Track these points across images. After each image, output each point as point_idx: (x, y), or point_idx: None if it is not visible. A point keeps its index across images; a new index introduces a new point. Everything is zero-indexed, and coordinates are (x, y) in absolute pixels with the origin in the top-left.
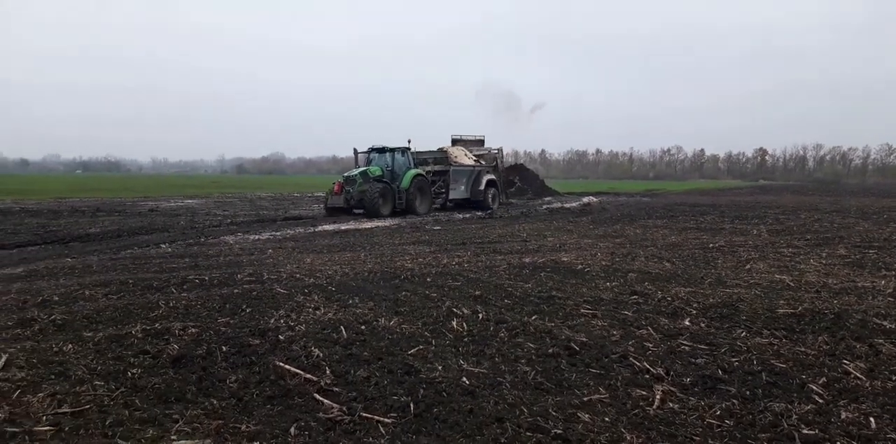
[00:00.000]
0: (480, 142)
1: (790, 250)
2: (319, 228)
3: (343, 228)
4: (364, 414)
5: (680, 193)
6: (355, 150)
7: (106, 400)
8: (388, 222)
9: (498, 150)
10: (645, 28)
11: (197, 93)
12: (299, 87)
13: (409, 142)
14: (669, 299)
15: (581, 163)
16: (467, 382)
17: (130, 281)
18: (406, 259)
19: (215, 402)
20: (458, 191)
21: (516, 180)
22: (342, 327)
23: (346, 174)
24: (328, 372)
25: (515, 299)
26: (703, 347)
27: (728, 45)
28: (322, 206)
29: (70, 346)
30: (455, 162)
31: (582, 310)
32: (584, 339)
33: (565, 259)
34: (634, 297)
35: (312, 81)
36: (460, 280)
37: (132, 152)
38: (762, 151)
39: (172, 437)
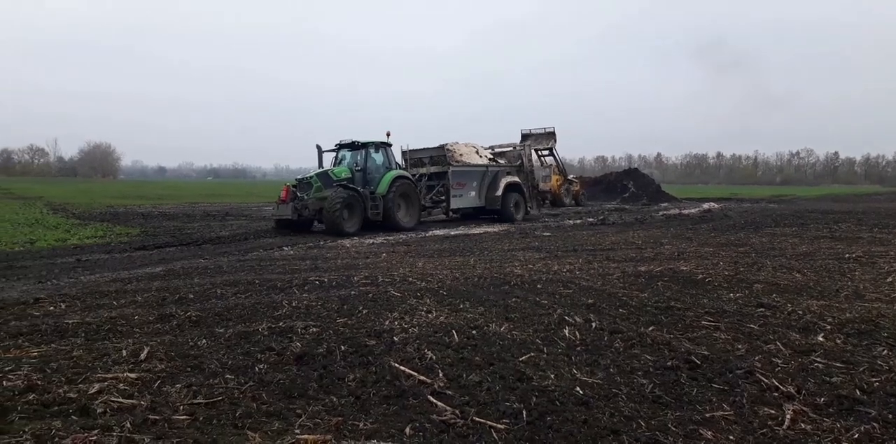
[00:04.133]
0: (551, 135)
1: None
2: (430, 233)
3: (452, 233)
4: (477, 419)
5: (811, 199)
6: (319, 147)
7: (236, 393)
8: (496, 228)
9: (524, 146)
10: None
11: (312, 105)
12: (410, 92)
13: (388, 135)
14: (800, 312)
15: (700, 167)
16: (581, 392)
17: (257, 281)
18: (515, 265)
19: (335, 399)
20: (467, 197)
21: (630, 186)
22: (454, 331)
23: (299, 177)
24: (441, 375)
25: (631, 309)
26: (838, 365)
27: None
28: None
29: (204, 341)
30: (458, 161)
31: (703, 322)
32: (706, 352)
33: (684, 268)
34: (761, 309)
35: (423, 84)
36: (572, 288)
37: (257, 160)
38: None
39: (296, 431)
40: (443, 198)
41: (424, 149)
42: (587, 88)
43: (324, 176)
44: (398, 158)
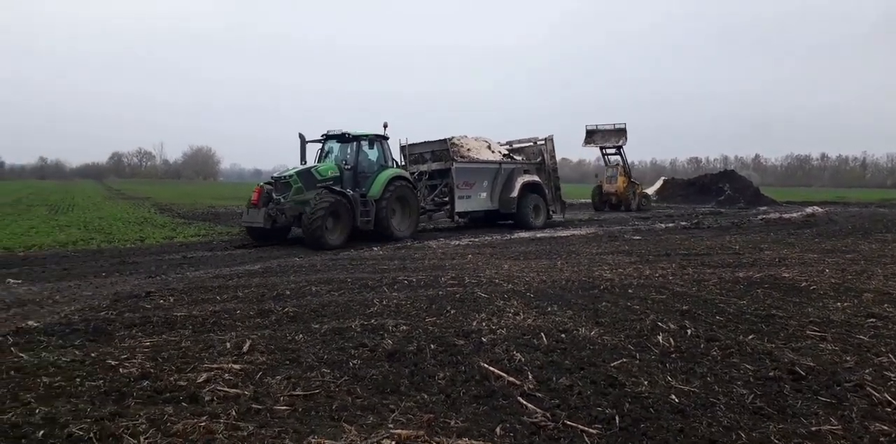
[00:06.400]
0: (621, 132)
1: None
2: (515, 235)
3: (538, 235)
4: (568, 422)
5: None
6: (301, 136)
7: (332, 386)
8: (583, 231)
9: (545, 140)
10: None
11: (402, 109)
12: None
13: (385, 127)
14: None
15: (802, 169)
16: (676, 400)
17: (349, 280)
18: (605, 269)
19: (426, 396)
20: (475, 199)
21: (726, 188)
22: (542, 333)
23: (276, 175)
24: (530, 377)
25: (728, 316)
26: None
27: None
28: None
29: (301, 336)
30: (465, 156)
31: (808, 332)
32: (811, 363)
33: (786, 275)
34: (871, 320)
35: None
36: (665, 293)
37: None
38: None
39: (390, 425)
40: (446, 200)
41: (426, 142)
42: (678, 85)
43: (306, 175)
44: (396, 154)
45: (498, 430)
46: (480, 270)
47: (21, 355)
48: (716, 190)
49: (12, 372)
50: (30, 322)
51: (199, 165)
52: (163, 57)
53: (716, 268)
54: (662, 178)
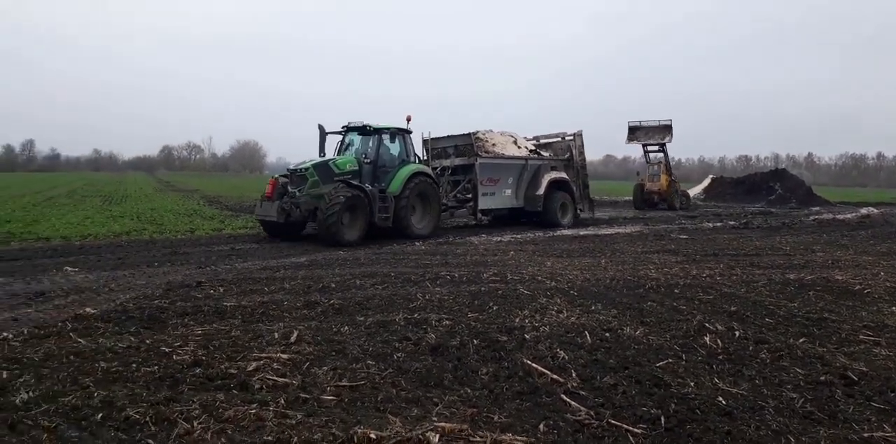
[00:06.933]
0: (666, 129)
1: None
2: (558, 232)
3: (581, 233)
4: (612, 421)
5: None
6: (321, 127)
7: (377, 378)
8: (628, 229)
9: (574, 135)
10: None
11: (442, 103)
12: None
13: (408, 121)
14: None
15: (857, 169)
16: (724, 402)
17: (392, 274)
18: (650, 268)
19: (469, 391)
20: (500, 196)
21: (777, 187)
22: (586, 332)
23: (291, 167)
24: (574, 375)
25: (778, 319)
26: None
27: None
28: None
29: (346, 328)
30: (489, 151)
31: (861, 336)
32: (864, 368)
33: (839, 277)
34: None
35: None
36: (712, 294)
37: None
38: None
39: (434, 418)
40: (469, 196)
41: (449, 137)
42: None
43: (323, 168)
44: (418, 148)
45: (541, 426)
46: (523, 267)
47: (80, 340)
48: (766, 189)
49: (72, 357)
50: (87, 309)
51: (246, 158)
52: (212, 61)
53: (765, 269)
54: (710, 176)
